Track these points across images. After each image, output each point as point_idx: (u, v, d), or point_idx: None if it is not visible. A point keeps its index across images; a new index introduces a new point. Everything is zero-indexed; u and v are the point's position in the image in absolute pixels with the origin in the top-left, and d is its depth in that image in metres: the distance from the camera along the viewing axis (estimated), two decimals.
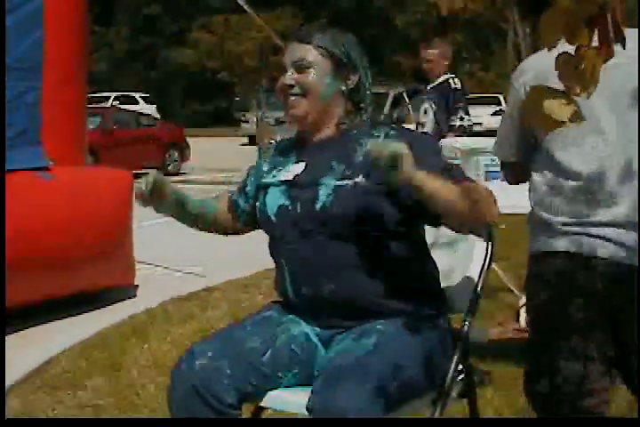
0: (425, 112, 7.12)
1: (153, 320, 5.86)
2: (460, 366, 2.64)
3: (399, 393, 2.40)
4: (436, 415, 2.54)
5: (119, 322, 5.83)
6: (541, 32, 1.52)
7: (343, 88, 2.65)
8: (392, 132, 2.61)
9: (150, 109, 32.92)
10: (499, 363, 4.62)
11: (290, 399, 2.55)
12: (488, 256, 2.72)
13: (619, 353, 2.59)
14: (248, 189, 2.82)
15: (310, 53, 2.63)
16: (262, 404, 2.61)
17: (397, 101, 19.15)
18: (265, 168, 2.78)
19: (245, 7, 7.10)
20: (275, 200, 2.65)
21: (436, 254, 2.82)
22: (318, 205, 2.55)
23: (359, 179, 2.52)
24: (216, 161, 22.25)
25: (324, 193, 2.55)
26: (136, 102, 35.55)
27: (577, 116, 1.57)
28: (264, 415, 2.88)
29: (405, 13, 46.05)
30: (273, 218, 2.64)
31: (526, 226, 2.67)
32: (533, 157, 2.66)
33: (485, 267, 2.71)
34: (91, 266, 6.12)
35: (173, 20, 49.32)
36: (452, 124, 6.94)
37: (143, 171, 17.50)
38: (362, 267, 2.54)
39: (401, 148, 2.29)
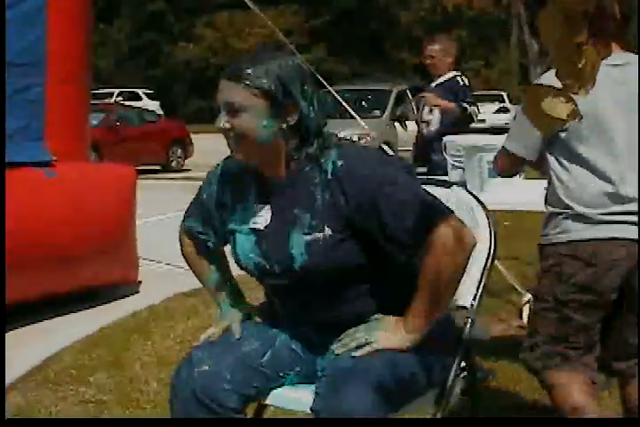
0: (430, 111, 7.06)
1: (156, 317, 5.86)
2: (463, 364, 2.64)
3: (401, 392, 2.40)
4: (439, 413, 2.54)
5: (122, 318, 5.83)
6: (540, 29, 1.52)
7: (284, 126, 2.42)
8: (339, 163, 2.42)
9: (154, 106, 32.92)
10: (502, 360, 4.62)
11: (292, 396, 2.55)
12: (491, 254, 2.71)
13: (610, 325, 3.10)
14: (215, 223, 2.67)
15: (241, 95, 2.37)
16: (265, 402, 2.61)
17: (400, 99, 19.15)
18: (224, 199, 2.63)
19: (249, 4, 7.10)
20: (247, 255, 2.55)
21: None
22: (296, 266, 2.46)
23: (327, 231, 2.43)
24: (219, 157, 22.07)
25: (297, 252, 2.45)
26: (139, 99, 35.54)
27: (575, 114, 1.57)
28: (266, 413, 2.87)
29: (409, 10, 46.00)
30: (254, 272, 2.59)
31: (546, 218, 3.02)
32: (554, 156, 3.07)
33: (489, 264, 2.70)
34: (94, 262, 6.12)
35: (177, 17, 49.31)
36: (464, 105, 6.81)
37: (146, 167, 17.38)
38: (356, 312, 2.52)
39: (369, 339, 2.42)
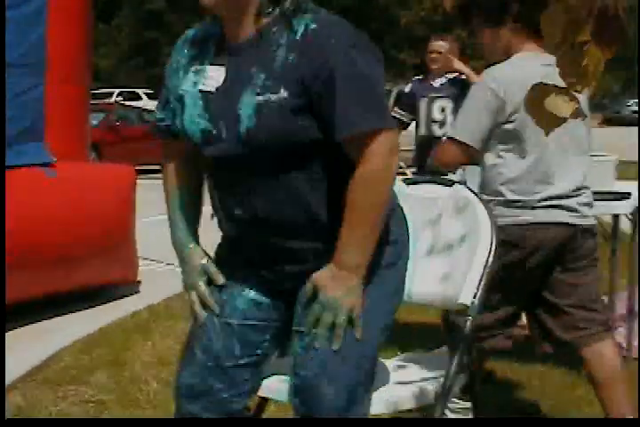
0: (442, 110, 6.90)
1: (156, 316, 5.86)
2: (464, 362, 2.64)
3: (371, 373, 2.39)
4: (438, 411, 2.54)
5: (122, 318, 5.84)
6: (543, 29, 1.52)
7: None
8: (312, 26, 2.25)
9: (154, 106, 32.80)
10: (501, 360, 4.62)
11: (282, 388, 2.55)
12: (491, 254, 2.71)
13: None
14: (172, 103, 2.46)
15: None
16: (260, 394, 2.62)
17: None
18: (183, 61, 2.44)
19: None
20: (194, 120, 2.34)
21: (434, 259, 2.82)
22: (242, 130, 2.26)
23: (283, 93, 2.22)
24: None
25: (245, 114, 2.25)
26: (139, 98, 35.53)
27: (578, 113, 1.57)
28: (268, 409, 2.87)
29: (410, 10, 46.01)
30: (199, 143, 2.36)
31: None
32: (495, 145, 3.33)
33: (488, 264, 2.70)
34: (94, 262, 6.13)
35: (178, 16, 49.31)
36: None
37: (146, 167, 17.40)
38: (297, 196, 2.31)
39: (352, 310, 2.30)
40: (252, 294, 2.49)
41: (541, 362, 4.60)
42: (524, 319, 5.37)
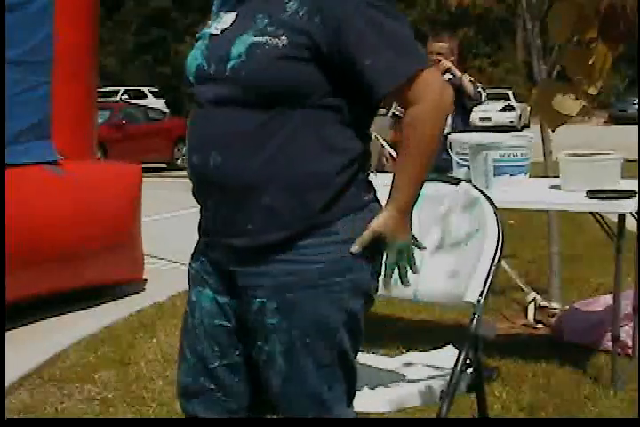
0: None
1: (161, 314, 5.87)
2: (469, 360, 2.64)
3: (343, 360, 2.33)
4: (444, 409, 2.54)
5: (128, 316, 5.84)
6: (550, 27, 1.52)
7: None
8: None
9: (159, 103, 32.89)
10: (506, 359, 4.62)
11: None
12: (499, 251, 2.71)
13: None
14: None
15: None
16: None
17: None
18: (214, 9, 2.46)
19: None
20: (194, 59, 2.33)
21: (441, 257, 2.82)
22: (229, 66, 2.22)
23: (283, 39, 2.19)
24: None
25: (236, 51, 2.22)
26: (145, 96, 35.51)
27: (586, 111, 1.57)
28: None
29: (415, 9, 45.98)
30: (192, 79, 2.34)
31: None
32: None
33: (496, 261, 2.70)
34: (100, 260, 6.13)
35: (183, 14, 49.30)
36: (479, 90, 6.69)
37: (152, 165, 17.41)
38: (256, 142, 2.23)
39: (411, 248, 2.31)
40: (211, 293, 2.43)
41: (547, 361, 4.60)
42: (529, 319, 5.39)
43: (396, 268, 2.33)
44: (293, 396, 2.30)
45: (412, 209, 2.29)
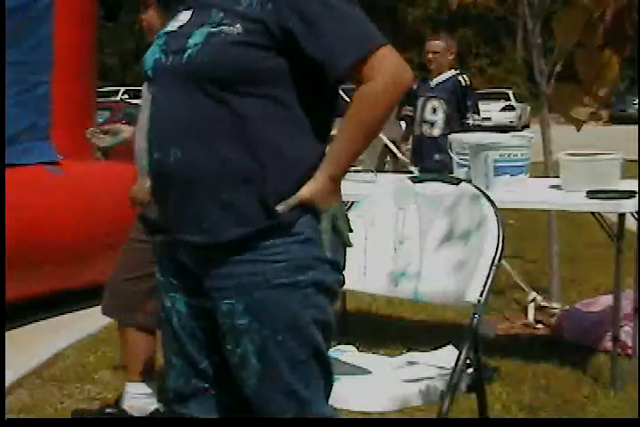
0: (434, 111, 6.96)
1: None
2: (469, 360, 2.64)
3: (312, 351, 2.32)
4: (444, 408, 2.55)
5: None
6: (556, 31, 1.53)
7: None
8: None
9: None
10: (506, 358, 4.62)
11: None
12: (499, 251, 2.71)
13: None
14: None
15: None
16: None
17: (408, 97, 19.05)
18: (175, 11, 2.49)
19: None
20: (152, 54, 2.36)
21: (441, 257, 2.82)
22: (185, 55, 2.25)
23: (238, 27, 2.21)
24: None
25: (193, 41, 2.24)
26: None
27: (597, 117, 1.58)
28: None
29: (417, 8, 45.97)
30: (150, 73, 2.37)
31: None
32: None
33: (496, 261, 2.70)
34: (99, 260, 6.12)
35: None
36: (468, 122, 6.76)
37: None
38: (214, 136, 2.23)
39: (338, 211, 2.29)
40: (183, 297, 2.42)
41: (547, 361, 4.60)
42: (529, 318, 5.39)
43: (334, 232, 2.29)
44: (270, 395, 2.30)
45: (341, 178, 2.29)
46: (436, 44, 6.85)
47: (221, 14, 2.25)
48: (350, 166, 2.29)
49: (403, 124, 8.12)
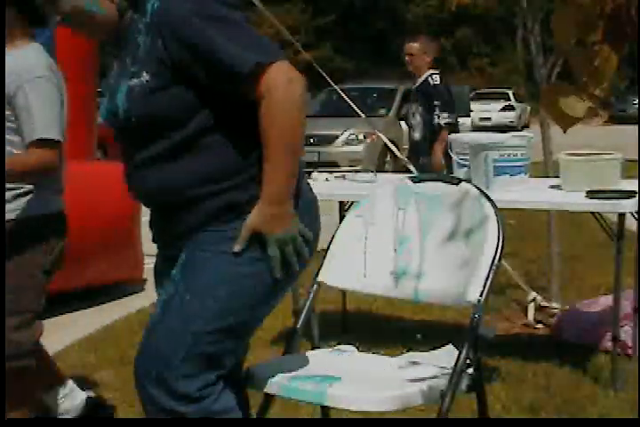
0: (413, 115, 7.04)
1: None
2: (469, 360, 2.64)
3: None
4: (444, 408, 2.55)
5: (128, 316, 5.84)
6: (554, 29, 1.53)
7: None
8: (156, 4, 2.38)
9: None
10: (506, 359, 4.62)
11: (289, 387, 2.56)
12: (499, 250, 2.71)
13: None
14: None
15: None
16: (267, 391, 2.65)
17: (407, 98, 19.08)
18: None
19: (256, 2, 7.10)
20: (103, 109, 2.57)
21: (441, 257, 2.82)
22: (120, 112, 2.45)
23: (145, 76, 2.37)
24: None
25: (120, 98, 2.44)
26: None
27: (593, 113, 1.57)
28: (272, 408, 2.87)
29: (417, 8, 45.99)
30: (108, 121, 2.58)
31: None
32: None
33: (496, 261, 2.70)
34: (99, 260, 6.13)
35: None
36: (434, 122, 6.81)
37: None
38: (165, 165, 2.43)
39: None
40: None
41: (547, 361, 4.60)
42: (529, 318, 5.39)
43: (282, 258, 2.38)
44: (147, 348, 2.64)
45: (287, 198, 2.35)
46: (411, 47, 6.99)
47: (129, 61, 2.42)
48: (289, 184, 2.35)
49: (403, 124, 8.20)
